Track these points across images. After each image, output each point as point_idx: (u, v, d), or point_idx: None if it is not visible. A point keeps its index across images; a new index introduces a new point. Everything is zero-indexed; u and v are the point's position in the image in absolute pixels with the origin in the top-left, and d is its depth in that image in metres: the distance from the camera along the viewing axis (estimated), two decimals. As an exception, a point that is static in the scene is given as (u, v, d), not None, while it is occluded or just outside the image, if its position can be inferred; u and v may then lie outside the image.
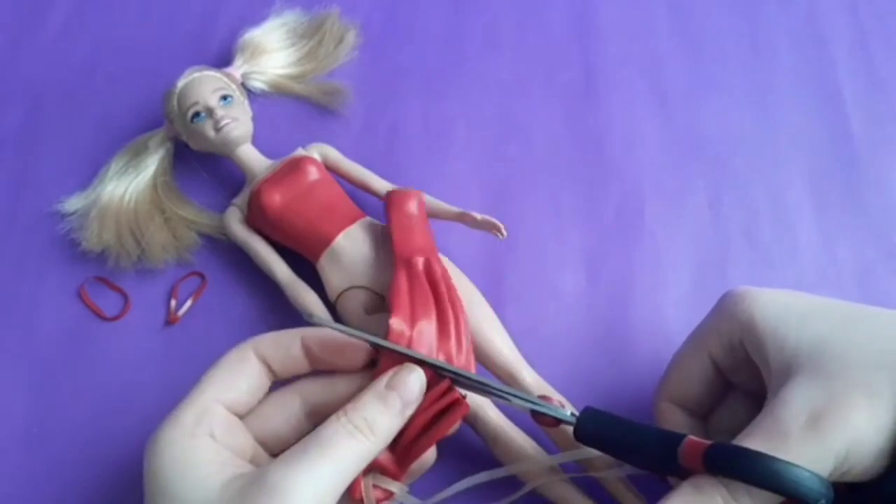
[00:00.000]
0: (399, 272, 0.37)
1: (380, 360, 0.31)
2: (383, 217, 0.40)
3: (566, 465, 0.36)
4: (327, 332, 0.31)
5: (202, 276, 0.43)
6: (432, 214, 0.41)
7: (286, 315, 0.41)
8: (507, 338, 0.38)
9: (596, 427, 0.31)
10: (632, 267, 0.43)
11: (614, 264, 0.43)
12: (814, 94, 0.48)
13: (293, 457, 0.27)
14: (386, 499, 0.31)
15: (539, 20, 0.51)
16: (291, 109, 0.48)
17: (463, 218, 0.41)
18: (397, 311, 0.34)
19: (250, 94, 0.47)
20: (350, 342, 0.31)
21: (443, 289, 0.36)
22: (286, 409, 0.31)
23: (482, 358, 0.38)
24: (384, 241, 0.40)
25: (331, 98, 0.47)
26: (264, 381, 0.31)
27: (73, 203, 0.44)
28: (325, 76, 0.49)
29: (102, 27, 0.51)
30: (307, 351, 0.31)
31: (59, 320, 0.42)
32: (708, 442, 0.28)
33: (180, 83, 0.43)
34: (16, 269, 0.43)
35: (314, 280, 0.40)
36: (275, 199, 0.40)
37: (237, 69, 0.46)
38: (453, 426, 0.31)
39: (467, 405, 0.31)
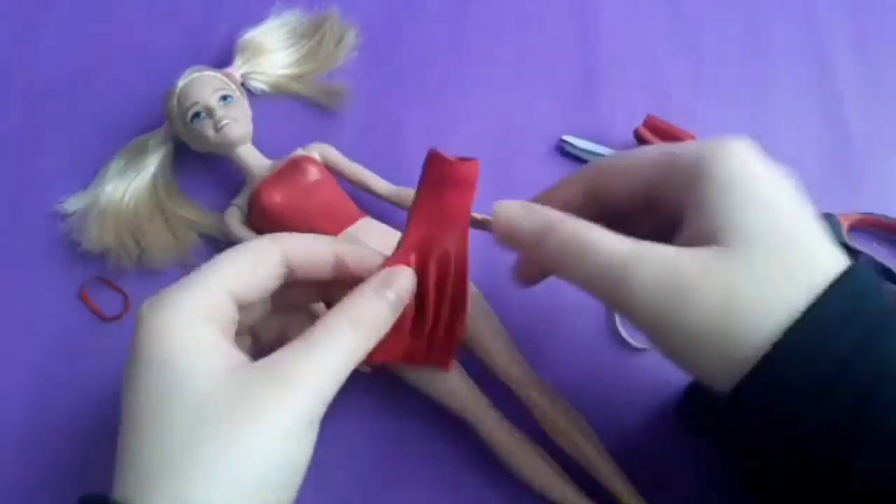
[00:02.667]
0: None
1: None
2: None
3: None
4: (366, 251, 0.32)
5: (202, 277, 0.43)
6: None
7: (286, 315, 0.41)
8: (507, 338, 0.38)
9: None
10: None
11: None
12: (814, 94, 0.48)
13: (300, 347, 0.27)
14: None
15: (539, 20, 0.51)
16: (291, 109, 0.48)
17: (463, 218, 0.41)
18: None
19: (250, 94, 0.47)
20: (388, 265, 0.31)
21: (449, 269, 0.34)
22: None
23: (482, 357, 0.38)
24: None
25: (331, 98, 0.47)
26: (276, 284, 0.30)
27: (73, 203, 0.44)
28: (325, 76, 0.49)
29: (102, 27, 0.51)
30: (338, 263, 0.31)
31: (59, 320, 0.42)
32: None
33: (180, 83, 0.43)
34: (16, 269, 0.43)
35: (314, 280, 0.40)
36: (275, 199, 0.40)
37: (237, 69, 0.46)
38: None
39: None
